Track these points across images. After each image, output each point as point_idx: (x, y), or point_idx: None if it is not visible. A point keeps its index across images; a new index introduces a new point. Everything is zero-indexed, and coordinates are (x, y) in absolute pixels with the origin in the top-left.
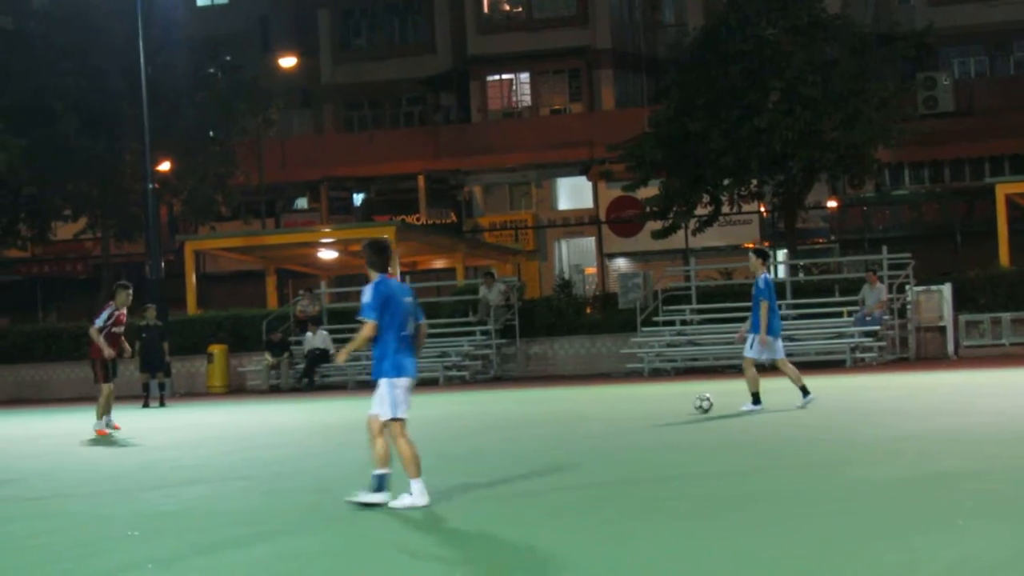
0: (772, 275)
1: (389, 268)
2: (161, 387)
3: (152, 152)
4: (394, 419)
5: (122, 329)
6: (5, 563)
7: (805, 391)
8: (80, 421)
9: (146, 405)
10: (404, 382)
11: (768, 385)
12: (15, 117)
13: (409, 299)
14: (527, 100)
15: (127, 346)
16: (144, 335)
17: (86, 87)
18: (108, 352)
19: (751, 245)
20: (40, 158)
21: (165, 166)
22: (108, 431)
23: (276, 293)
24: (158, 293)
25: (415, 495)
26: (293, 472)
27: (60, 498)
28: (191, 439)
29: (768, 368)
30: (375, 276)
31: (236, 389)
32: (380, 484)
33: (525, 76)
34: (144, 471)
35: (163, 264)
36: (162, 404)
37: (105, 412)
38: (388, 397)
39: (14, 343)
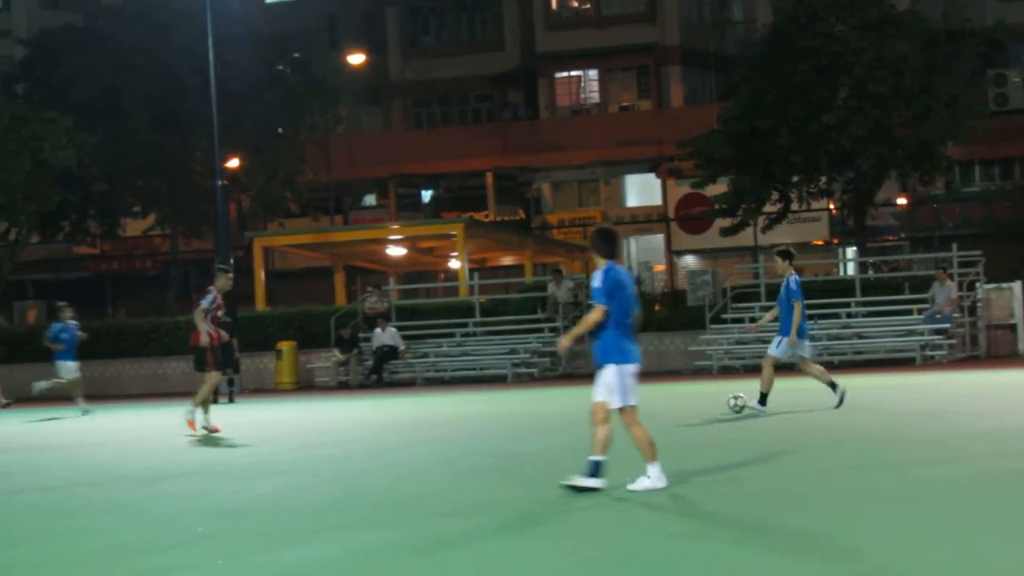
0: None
1: (616, 255)
2: (230, 383)
3: (221, 149)
4: (625, 407)
5: (222, 313)
6: (72, 557)
7: (834, 386)
8: (148, 417)
9: (215, 401)
10: (631, 368)
11: (811, 384)
12: (86, 114)
13: (633, 287)
14: (595, 97)
15: (225, 334)
16: None
17: (156, 84)
18: (204, 339)
19: (819, 242)
20: (110, 155)
21: (234, 163)
22: (202, 429)
23: (345, 290)
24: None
25: (653, 478)
26: (362, 469)
27: (126, 493)
28: (259, 435)
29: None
30: (602, 263)
31: (305, 386)
32: (596, 470)
33: (594, 73)
34: (212, 467)
35: (232, 261)
36: (231, 400)
37: (204, 403)
38: (617, 384)
39: (83, 339)
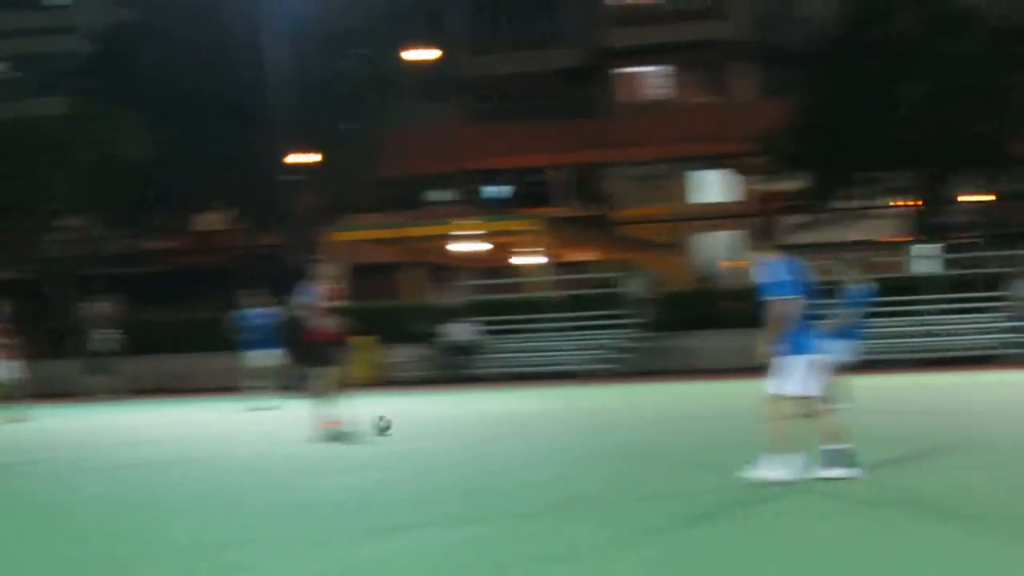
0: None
1: (783, 249)
2: (302, 378)
3: (292, 144)
4: (790, 395)
5: (331, 305)
6: (154, 553)
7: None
8: (226, 411)
9: (295, 396)
10: (812, 360)
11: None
12: (157, 109)
13: (806, 278)
14: (665, 93)
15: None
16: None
17: (224, 80)
18: (331, 326)
19: (893, 239)
20: (179, 150)
21: (305, 158)
22: (338, 422)
23: (421, 284)
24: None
25: (773, 469)
26: (443, 464)
27: (213, 487)
28: (343, 430)
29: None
30: (769, 257)
31: (383, 380)
32: (844, 459)
33: (663, 68)
34: (295, 461)
35: (305, 256)
36: (298, 396)
37: (324, 400)
38: (794, 374)
39: (157, 334)
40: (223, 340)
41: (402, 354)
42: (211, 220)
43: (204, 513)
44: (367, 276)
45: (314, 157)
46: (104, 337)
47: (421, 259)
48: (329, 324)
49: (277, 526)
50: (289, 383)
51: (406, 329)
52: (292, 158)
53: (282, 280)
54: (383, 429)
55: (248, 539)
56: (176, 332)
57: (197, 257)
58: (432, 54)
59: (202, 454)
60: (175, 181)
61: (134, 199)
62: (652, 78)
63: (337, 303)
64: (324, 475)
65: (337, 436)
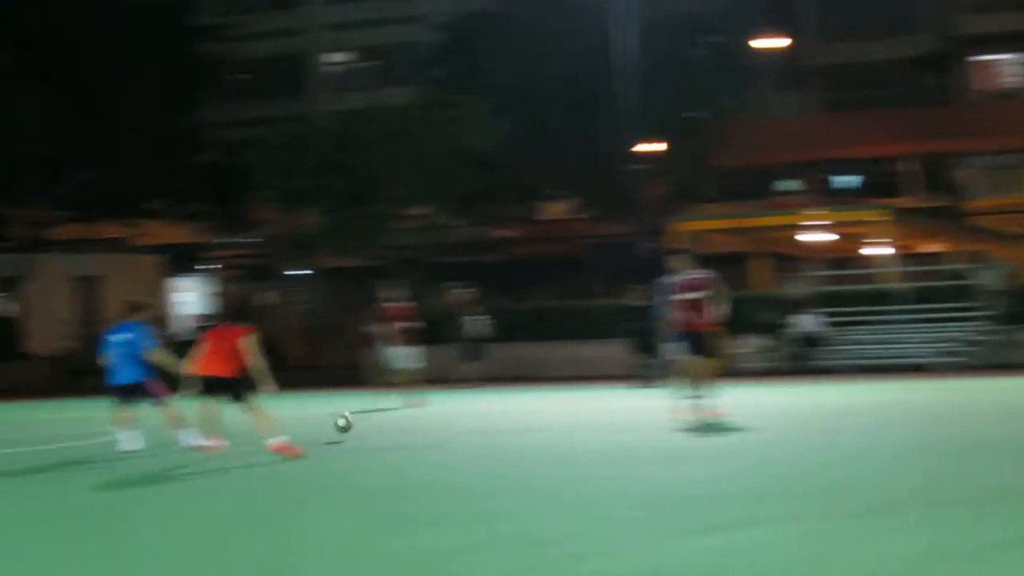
0: None
1: None
2: (649, 368)
3: (638, 133)
4: None
5: (698, 295)
6: (478, 543)
7: None
8: (577, 400)
9: (642, 386)
10: None
11: None
12: (503, 98)
13: None
14: (1019, 81)
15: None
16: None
17: (569, 68)
18: (707, 319)
19: None
20: (528, 139)
21: (653, 147)
22: (712, 410)
23: (767, 275)
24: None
25: None
26: (782, 456)
27: (547, 476)
28: (683, 420)
29: None
30: None
31: (728, 371)
32: None
33: (1017, 56)
34: (642, 450)
35: (653, 245)
36: (653, 385)
37: (684, 389)
38: None
39: (511, 322)
40: (579, 329)
41: (747, 345)
42: (556, 209)
43: (538, 504)
44: (713, 266)
45: (660, 146)
46: (476, 323)
47: (768, 249)
48: (696, 315)
49: (615, 517)
50: (652, 372)
51: (752, 320)
52: (638, 146)
53: (631, 270)
54: (343, 428)
55: (585, 531)
56: (533, 320)
57: (542, 246)
58: (781, 42)
59: (551, 441)
60: (520, 170)
61: (479, 188)
62: (1006, 66)
63: (704, 293)
64: (667, 465)
65: (692, 426)
